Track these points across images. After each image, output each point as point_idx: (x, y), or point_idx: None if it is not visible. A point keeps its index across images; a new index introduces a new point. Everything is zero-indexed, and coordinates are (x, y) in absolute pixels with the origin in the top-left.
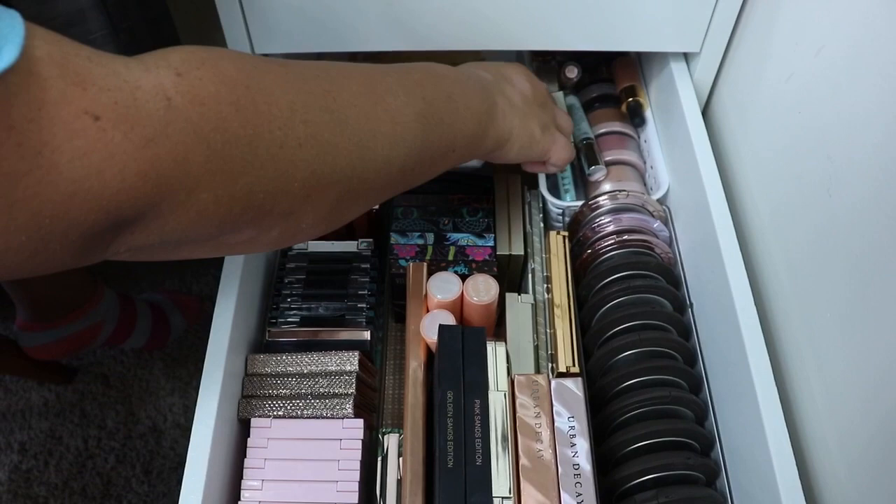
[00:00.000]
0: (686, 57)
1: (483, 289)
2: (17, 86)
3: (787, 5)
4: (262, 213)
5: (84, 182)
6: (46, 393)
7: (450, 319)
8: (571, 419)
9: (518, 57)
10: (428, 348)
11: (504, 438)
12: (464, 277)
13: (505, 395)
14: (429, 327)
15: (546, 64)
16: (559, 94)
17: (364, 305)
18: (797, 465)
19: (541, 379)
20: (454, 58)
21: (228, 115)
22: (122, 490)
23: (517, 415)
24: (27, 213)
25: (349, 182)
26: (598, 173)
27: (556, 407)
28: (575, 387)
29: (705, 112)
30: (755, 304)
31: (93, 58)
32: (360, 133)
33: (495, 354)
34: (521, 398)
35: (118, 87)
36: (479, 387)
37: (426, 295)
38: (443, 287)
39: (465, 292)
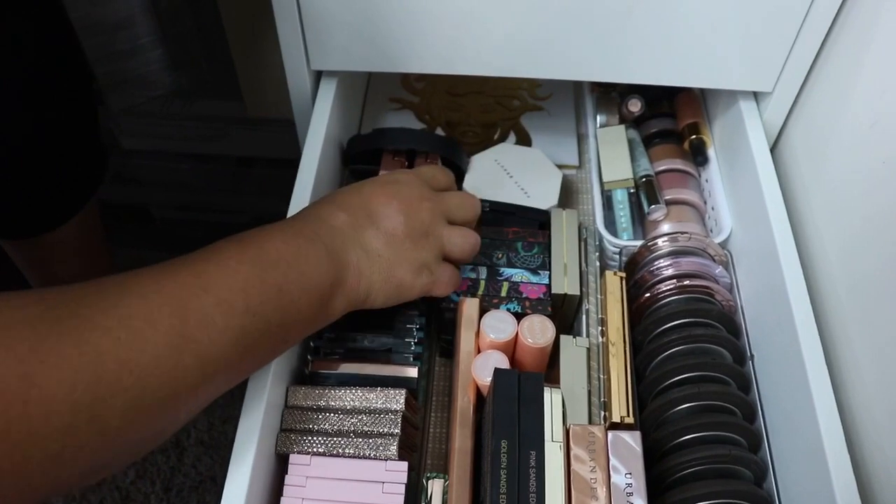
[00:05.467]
0: (756, 96)
1: (539, 331)
2: None
3: (875, 49)
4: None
5: None
6: None
7: (503, 361)
8: (629, 476)
9: (576, 86)
10: (478, 389)
11: (558, 493)
12: (518, 316)
13: (560, 446)
14: (481, 368)
15: (606, 95)
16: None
17: (412, 341)
18: None
19: (597, 430)
20: (509, 84)
21: None
22: None
23: (571, 468)
24: None
25: (148, 436)
26: (657, 212)
27: (613, 462)
28: (633, 441)
29: (772, 153)
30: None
31: None
32: (160, 398)
33: (551, 402)
34: (577, 450)
35: None
36: (536, 437)
37: (477, 333)
38: (497, 327)
39: (519, 333)
